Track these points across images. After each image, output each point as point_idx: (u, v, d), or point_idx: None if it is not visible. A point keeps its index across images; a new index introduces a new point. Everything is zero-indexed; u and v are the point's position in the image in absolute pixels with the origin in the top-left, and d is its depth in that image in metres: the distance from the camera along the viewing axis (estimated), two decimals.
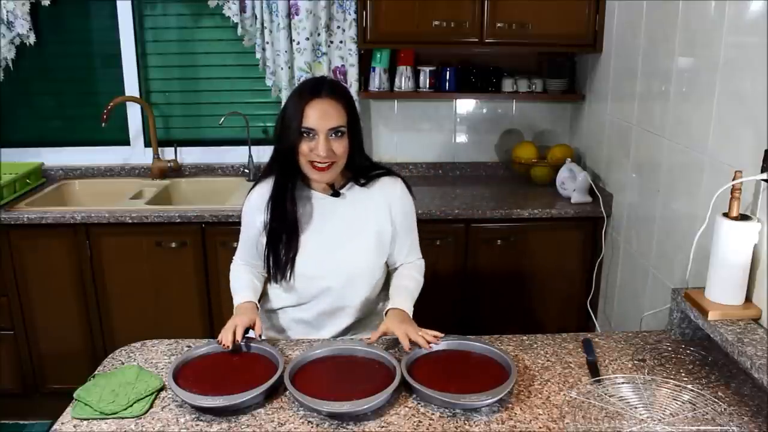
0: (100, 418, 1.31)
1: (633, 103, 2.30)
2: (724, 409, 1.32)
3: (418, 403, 1.35)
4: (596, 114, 2.74)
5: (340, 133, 1.56)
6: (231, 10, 2.81)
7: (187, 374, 1.40)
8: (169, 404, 1.36)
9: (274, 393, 1.38)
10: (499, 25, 2.61)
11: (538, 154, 2.89)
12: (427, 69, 2.88)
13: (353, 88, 2.82)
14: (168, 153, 3.04)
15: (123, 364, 1.52)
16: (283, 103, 2.84)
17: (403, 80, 2.88)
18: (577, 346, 1.59)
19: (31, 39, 2.86)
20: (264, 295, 1.78)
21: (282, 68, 2.83)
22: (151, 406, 1.35)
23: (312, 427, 1.28)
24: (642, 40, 2.22)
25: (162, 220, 2.51)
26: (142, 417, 1.32)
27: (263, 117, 3.09)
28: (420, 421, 1.30)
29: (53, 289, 2.59)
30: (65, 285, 2.58)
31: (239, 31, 2.84)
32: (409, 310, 1.63)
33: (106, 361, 1.54)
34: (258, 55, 2.88)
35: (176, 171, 3.03)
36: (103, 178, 3.04)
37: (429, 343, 1.48)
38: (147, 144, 3.07)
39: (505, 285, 2.65)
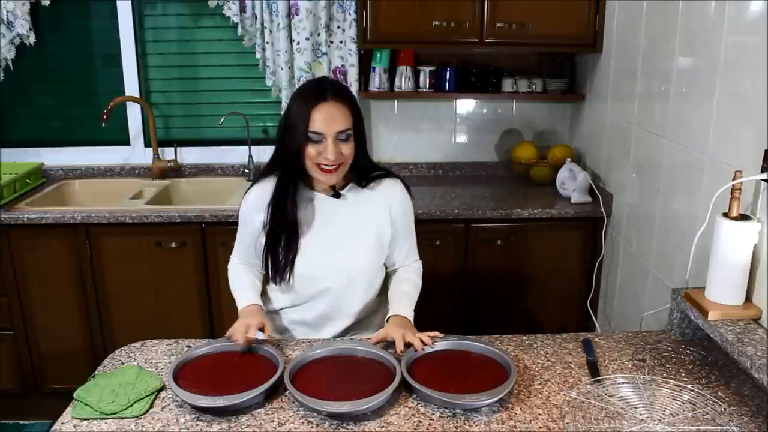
0: (100, 418, 1.31)
1: (633, 103, 2.30)
2: (724, 409, 1.32)
3: (418, 403, 1.35)
4: (596, 114, 2.74)
5: (346, 136, 1.57)
6: (231, 10, 2.81)
7: (187, 374, 1.40)
8: (169, 404, 1.36)
9: (274, 393, 1.38)
10: (499, 25, 2.61)
11: (538, 154, 2.89)
12: (427, 69, 2.88)
13: (353, 88, 2.82)
14: (168, 153, 3.04)
15: (123, 364, 1.52)
16: (283, 104, 2.88)
17: (403, 80, 2.88)
18: (577, 346, 1.59)
19: (31, 39, 2.86)
20: (263, 296, 1.77)
21: (282, 68, 2.83)
22: (151, 406, 1.35)
23: (312, 427, 1.28)
24: (642, 40, 2.22)
25: (162, 220, 2.51)
26: (142, 417, 1.32)
27: (263, 117, 3.09)
28: (420, 421, 1.30)
29: (53, 289, 2.59)
30: (65, 285, 2.58)
31: (239, 31, 2.84)
32: (410, 316, 1.64)
33: (106, 361, 1.54)
34: (258, 55, 2.88)
35: (176, 171, 3.03)
36: (103, 178, 3.05)
37: (424, 345, 1.48)
38: (147, 144, 3.07)
39: (505, 285, 2.65)
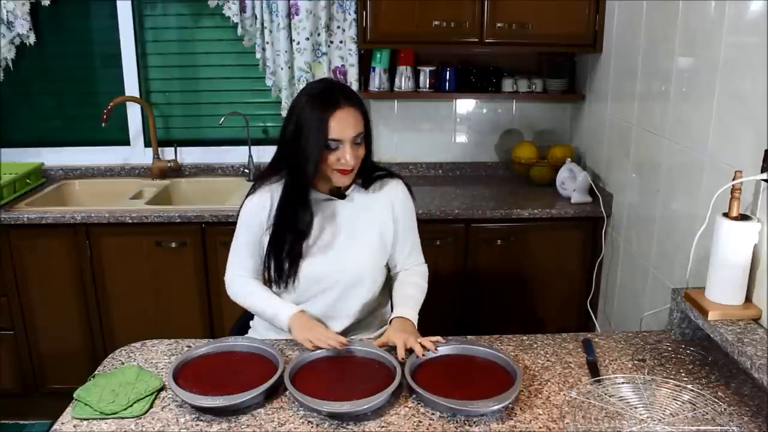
0: (100, 418, 1.31)
1: (633, 103, 2.30)
2: (724, 409, 1.32)
3: (418, 404, 1.35)
4: (596, 114, 2.74)
5: (361, 139, 1.58)
6: (231, 10, 2.81)
7: (187, 374, 1.40)
8: (169, 404, 1.36)
9: (274, 393, 1.38)
10: (499, 25, 2.61)
11: (538, 154, 2.89)
12: (427, 69, 2.88)
13: (353, 88, 2.81)
14: (168, 153, 3.04)
15: (123, 364, 1.52)
16: (283, 104, 2.88)
17: (403, 80, 2.88)
18: (577, 346, 1.59)
19: (31, 39, 2.86)
20: None
21: (282, 68, 2.83)
22: (151, 406, 1.35)
23: (312, 427, 1.28)
24: (642, 40, 2.22)
25: (162, 220, 2.50)
26: (142, 417, 1.32)
27: (263, 117, 3.09)
28: (420, 421, 1.30)
29: (53, 289, 2.59)
30: (65, 285, 2.58)
31: (239, 31, 2.84)
32: (414, 319, 1.62)
33: (106, 361, 1.54)
34: (258, 55, 2.88)
35: (176, 171, 3.03)
36: (103, 178, 3.04)
37: (425, 351, 1.47)
38: (147, 144, 3.07)
39: (505, 285, 2.65)
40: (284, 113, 2.89)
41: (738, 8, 1.62)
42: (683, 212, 1.92)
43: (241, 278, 1.71)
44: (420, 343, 1.48)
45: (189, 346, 1.58)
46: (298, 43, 2.78)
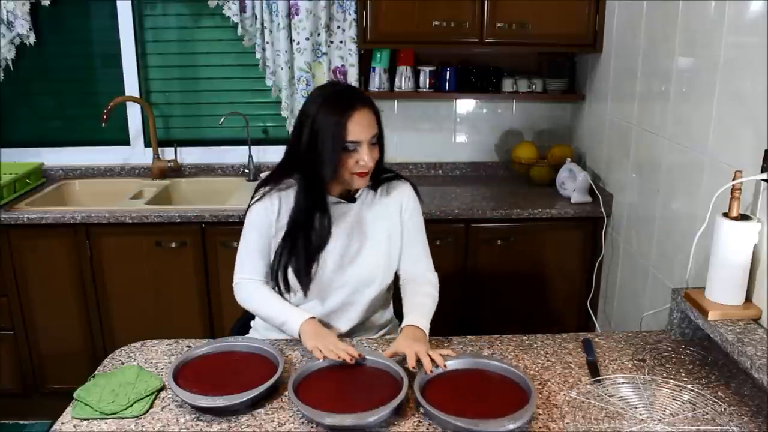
0: (100, 418, 1.31)
1: (633, 103, 2.30)
2: (724, 409, 1.32)
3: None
4: (596, 114, 2.74)
5: (376, 139, 1.58)
6: (231, 10, 2.81)
7: (187, 374, 1.40)
8: (169, 404, 1.36)
9: (274, 393, 1.38)
10: (499, 25, 2.61)
11: (538, 154, 2.89)
12: (427, 69, 2.88)
13: None
14: (168, 153, 3.04)
15: (123, 364, 1.52)
16: (283, 104, 2.88)
17: (403, 80, 2.88)
18: (577, 346, 1.59)
19: (31, 39, 2.86)
20: None
21: (282, 68, 2.83)
22: (151, 406, 1.35)
23: (312, 427, 1.28)
24: (642, 40, 2.22)
25: (162, 220, 2.50)
26: (142, 417, 1.32)
27: (263, 117, 3.09)
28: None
29: (53, 289, 2.59)
30: (65, 285, 2.58)
31: (239, 31, 2.84)
32: (426, 328, 1.57)
33: (106, 361, 1.54)
34: (258, 55, 2.88)
35: (176, 171, 3.03)
36: (103, 178, 3.04)
37: (434, 366, 1.41)
38: (147, 144, 3.07)
39: (505, 285, 2.65)
40: (284, 113, 2.92)
41: (738, 8, 1.62)
42: (683, 212, 1.92)
43: (251, 282, 1.68)
44: (429, 355, 1.43)
45: (189, 346, 1.58)
46: (298, 43, 2.78)
